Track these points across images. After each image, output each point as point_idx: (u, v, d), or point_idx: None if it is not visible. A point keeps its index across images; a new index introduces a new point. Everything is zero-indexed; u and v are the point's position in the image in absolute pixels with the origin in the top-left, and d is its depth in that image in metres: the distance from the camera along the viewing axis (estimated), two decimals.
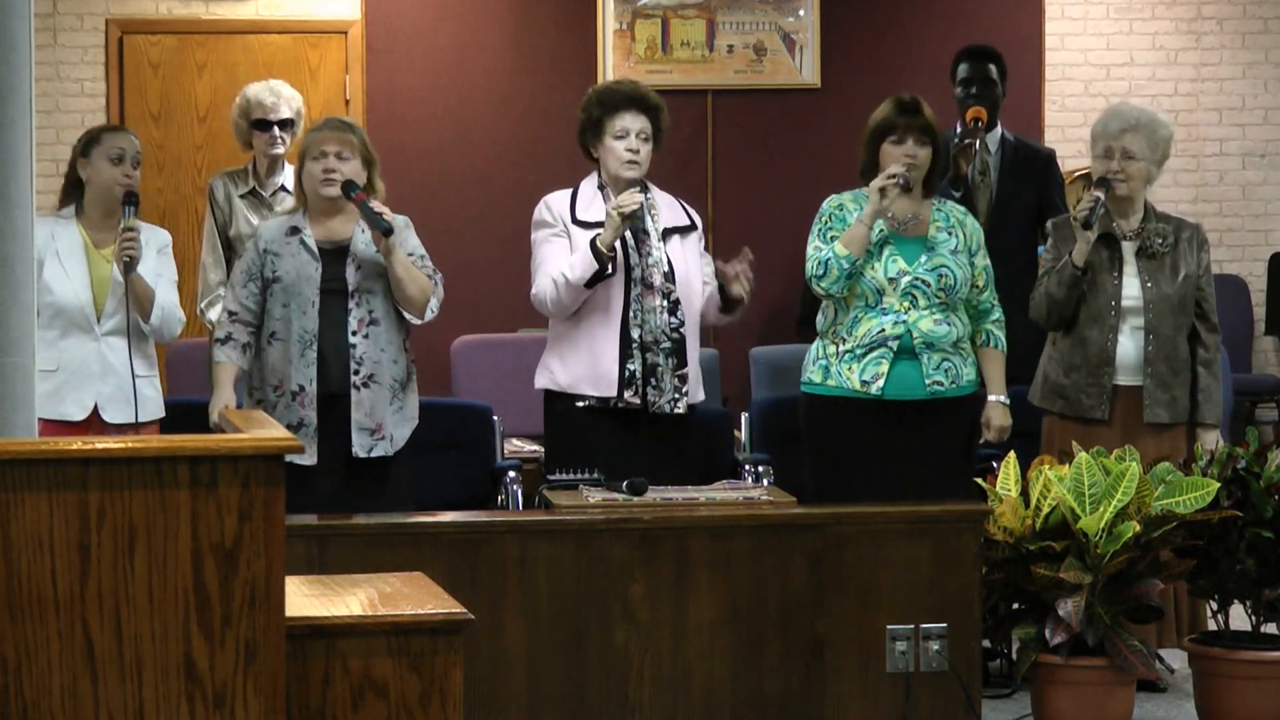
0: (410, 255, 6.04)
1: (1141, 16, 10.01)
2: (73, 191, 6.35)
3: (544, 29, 9.58)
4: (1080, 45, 9.98)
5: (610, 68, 9.49)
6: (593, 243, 6.03)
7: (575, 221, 6.15)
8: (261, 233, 6.15)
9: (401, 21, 9.56)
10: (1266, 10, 10.07)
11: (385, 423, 5.98)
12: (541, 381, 6.21)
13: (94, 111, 9.42)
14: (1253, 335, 10.10)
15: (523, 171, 9.26)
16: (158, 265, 6.32)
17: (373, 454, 5.97)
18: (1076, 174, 8.72)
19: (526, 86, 9.43)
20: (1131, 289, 6.39)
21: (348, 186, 5.98)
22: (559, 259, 6.11)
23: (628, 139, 6.14)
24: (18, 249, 3.96)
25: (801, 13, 9.63)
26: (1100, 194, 6.32)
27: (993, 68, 7.70)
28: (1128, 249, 6.42)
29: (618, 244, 6.06)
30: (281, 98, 7.46)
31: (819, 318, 6.24)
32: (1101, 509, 5.55)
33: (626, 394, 6.05)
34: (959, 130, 7.44)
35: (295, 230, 6.07)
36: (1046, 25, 9.93)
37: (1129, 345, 6.37)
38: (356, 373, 5.96)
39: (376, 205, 5.95)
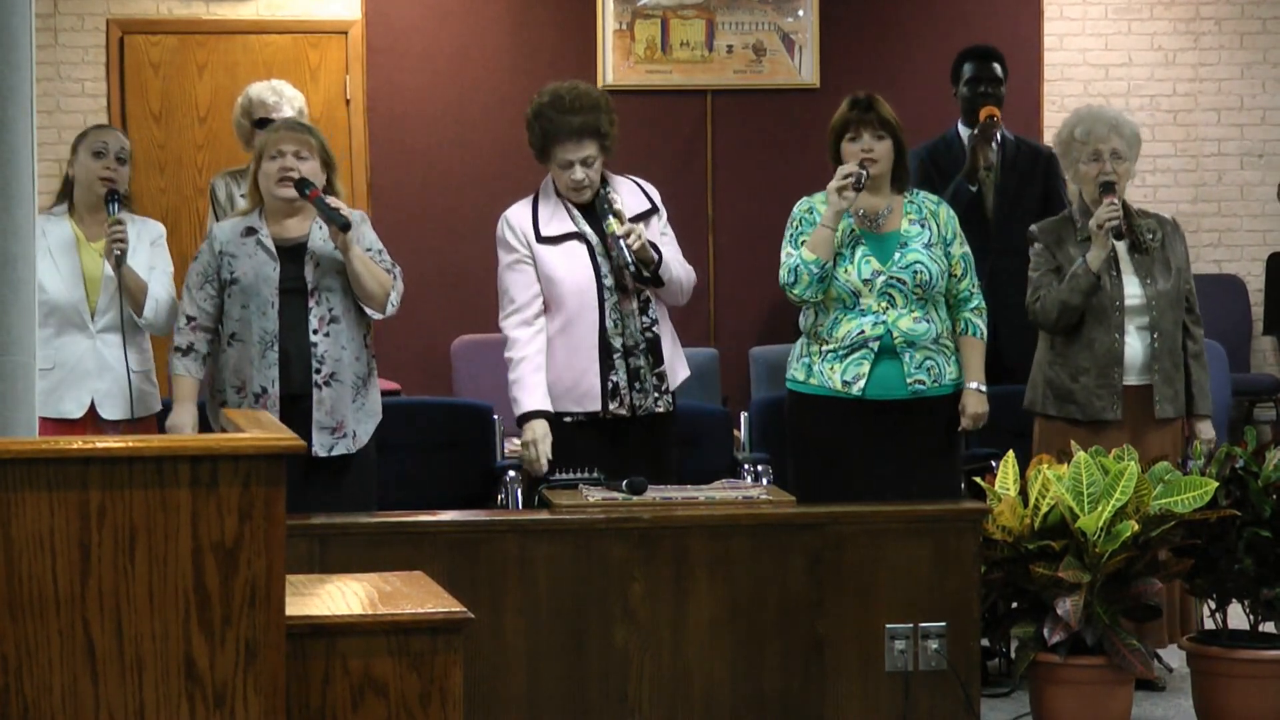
0: (368, 251, 6.00)
1: (1140, 17, 10.02)
2: (68, 191, 6.39)
3: (544, 29, 9.59)
4: (1079, 45, 9.99)
5: (610, 68, 9.49)
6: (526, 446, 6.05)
7: (540, 239, 6.12)
8: (216, 234, 6.07)
9: (401, 21, 9.56)
10: (1265, 10, 10.08)
11: (346, 420, 5.96)
12: (540, 404, 6.11)
13: (95, 111, 9.42)
14: (1251, 335, 10.11)
15: (523, 171, 9.23)
16: (151, 257, 6.33)
17: (334, 452, 5.94)
18: None
19: (526, 86, 9.37)
20: (1133, 287, 6.40)
21: (301, 184, 5.92)
22: (525, 289, 6.09)
23: (572, 170, 6.09)
24: (19, 248, 3.96)
25: (801, 13, 9.63)
26: (1116, 199, 6.33)
27: (997, 66, 7.73)
28: (1120, 247, 6.43)
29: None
30: (284, 97, 7.48)
31: (801, 317, 6.24)
32: (1100, 508, 5.56)
33: (612, 405, 6.05)
34: (975, 129, 7.46)
35: (251, 230, 6.01)
36: (1045, 25, 9.93)
37: (1136, 344, 6.38)
38: (318, 371, 5.92)
39: (333, 201, 5.92)
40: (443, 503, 6.43)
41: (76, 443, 3.41)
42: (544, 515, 5.64)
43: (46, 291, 6.17)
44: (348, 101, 9.51)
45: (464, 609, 3.72)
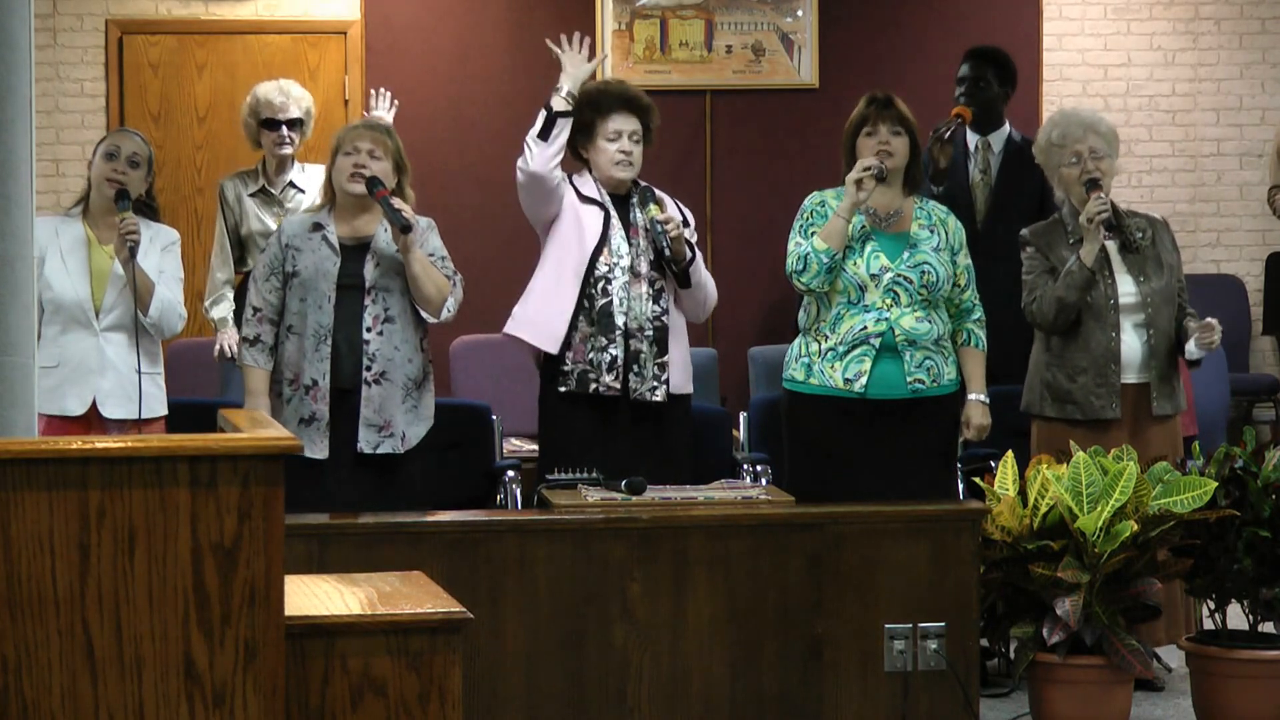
0: (431, 256, 6.07)
1: (1139, 17, 10.02)
2: (86, 193, 6.46)
3: (544, 29, 9.51)
4: (1078, 46, 9.99)
5: (609, 68, 9.49)
6: (546, 103, 6.20)
7: (581, 197, 6.24)
8: (285, 227, 6.20)
9: (401, 21, 9.56)
10: (1264, 11, 10.08)
11: (395, 421, 6.00)
12: (506, 326, 6.31)
13: (94, 111, 9.43)
14: (1250, 335, 10.10)
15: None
16: (160, 262, 6.37)
17: (379, 450, 5.98)
18: None
19: (526, 86, 9.43)
20: (1126, 286, 6.41)
21: (372, 182, 6.01)
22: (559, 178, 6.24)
23: (620, 140, 6.20)
24: (18, 249, 3.96)
25: (800, 13, 9.64)
26: (1103, 194, 6.34)
27: (990, 69, 7.74)
28: (1111, 247, 6.44)
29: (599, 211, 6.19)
30: (290, 97, 7.50)
31: (800, 315, 6.25)
32: (1099, 508, 5.56)
33: (607, 378, 6.12)
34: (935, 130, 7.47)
35: (319, 226, 6.11)
36: (1045, 26, 9.93)
37: (1132, 342, 6.38)
38: (369, 369, 5.98)
39: (397, 203, 5.99)
40: (443, 503, 6.43)
41: (76, 443, 3.42)
42: (543, 515, 5.65)
43: (53, 290, 6.24)
44: (346, 102, 9.51)
45: (463, 609, 3.72)
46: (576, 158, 6.32)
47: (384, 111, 7.60)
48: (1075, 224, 6.42)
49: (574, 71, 6.26)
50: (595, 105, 6.24)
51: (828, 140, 9.56)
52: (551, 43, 6.36)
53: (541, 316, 6.18)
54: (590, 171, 6.30)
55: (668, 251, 6.15)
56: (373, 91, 7.97)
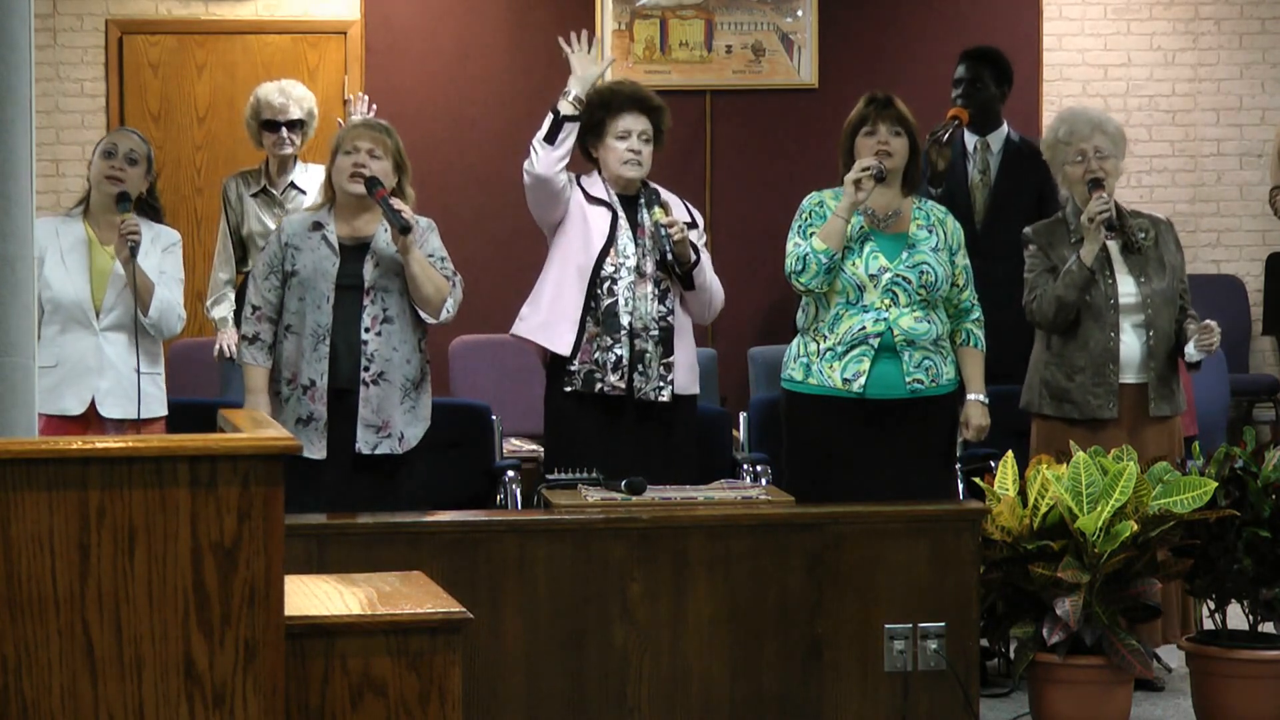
0: (430, 256, 6.07)
1: (1139, 17, 10.02)
2: (87, 194, 6.49)
3: (544, 29, 9.58)
4: (1078, 46, 9.99)
5: (609, 68, 9.49)
6: (554, 107, 6.20)
7: (589, 198, 6.25)
8: (285, 226, 6.19)
9: (401, 21, 9.56)
10: (1264, 11, 10.08)
11: (393, 421, 6.00)
12: (514, 328, 6.31)
13: (94, 112, 9.43)
14: (1250, 335, 10.10)
15: (521, 172, 9.25)
16: (161, 262, 6.37)
17: (377, 451, 5.98)
18: None
19: (526, 86, 9.44)
20: (1127, 286, 6.41)
21: (371, 182, 6.01)
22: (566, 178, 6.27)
23: (630, 140, 6.21)
24: (18, 249, 3.96)
25: (800, 13, 9.64)
26: (1105, 194, 6.34)
27: (986, 70, 7.74)
28: (1113, 247, 6.44)
29: (614, 219, 6.20)
30: (291, 99, 7.50)
31: (799, 315, 6.25)
32: (1099, 508, 5.56)
33: (612, 378, 6.13)
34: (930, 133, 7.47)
35: (318, 225, 6.11)
36: (1045, 26, 9.93)
37: (1132, 343, 6.38)
38: (367, 369, 5.98)
39: (397, 203, 5.99)
40: (443, 503, 6.44)
41: (76, 443, 3.41)
42: (543, 515, 5.65)
43: (53, 289, 6.24)
44: (346, 102, 9.51)
45: (463, 609, 3.72)
46: (586, 157, 6.33)
47: (363, 116, 7.60)
48: (1078, 223, 6.42)
49: (582, 74, 6.26)
50: (605, 104, 6.26)
51: (827, 140, 9.53)
52: (562, 41, 6.35)
53: (551, 318, 6.19)
54: (599, 172, 6.31)
55: (671, 255, 6.16)
56: (350, 97, 7.98)
